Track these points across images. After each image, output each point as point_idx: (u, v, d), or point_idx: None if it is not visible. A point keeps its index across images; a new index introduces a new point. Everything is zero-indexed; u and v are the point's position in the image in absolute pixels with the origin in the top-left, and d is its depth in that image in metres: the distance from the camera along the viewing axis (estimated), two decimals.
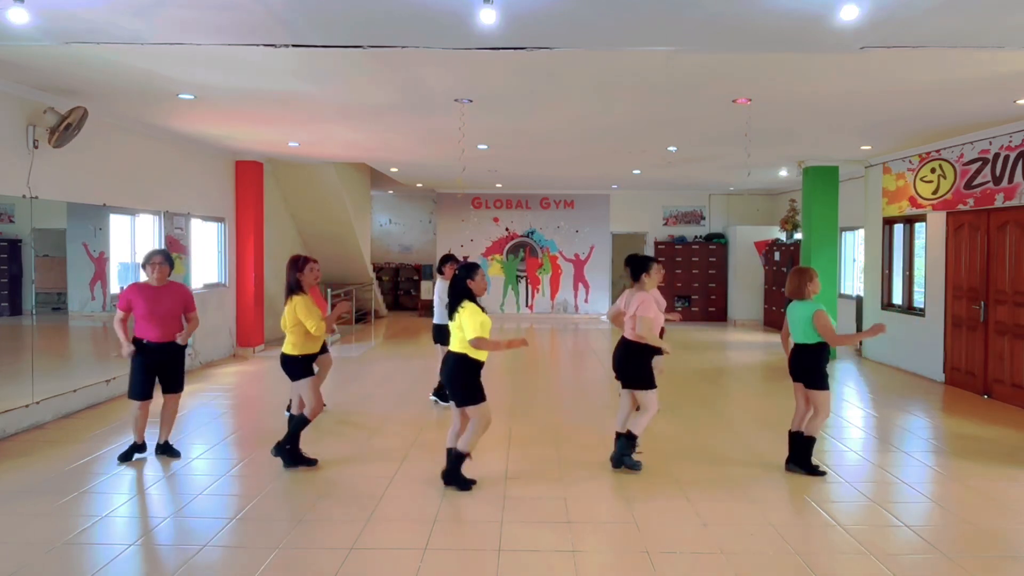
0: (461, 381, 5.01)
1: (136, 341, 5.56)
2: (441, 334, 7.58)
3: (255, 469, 5.59)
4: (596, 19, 4.49)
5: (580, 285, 16.93)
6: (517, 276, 16.98)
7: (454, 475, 5.12)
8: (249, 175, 11.28)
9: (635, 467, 5.51)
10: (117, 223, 8.40)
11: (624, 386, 5.59)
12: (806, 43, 4.95)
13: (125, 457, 5.68)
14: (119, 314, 5.52)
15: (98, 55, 5.51)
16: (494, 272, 16.93)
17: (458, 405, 5.10)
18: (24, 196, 6.65)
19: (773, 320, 15.27)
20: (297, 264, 5.53)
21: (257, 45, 5.12)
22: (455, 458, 5.12)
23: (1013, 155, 7.93)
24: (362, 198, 14.54)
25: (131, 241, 8.64)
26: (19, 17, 4.31)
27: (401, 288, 18.25)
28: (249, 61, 5.67)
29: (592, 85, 6.38)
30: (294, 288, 5.46)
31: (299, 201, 13.17)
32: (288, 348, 5.44)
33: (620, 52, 5.33)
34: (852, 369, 10.32)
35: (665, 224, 16.96)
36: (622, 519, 4.62)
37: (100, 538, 4.29)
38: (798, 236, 13.82)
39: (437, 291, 7.62)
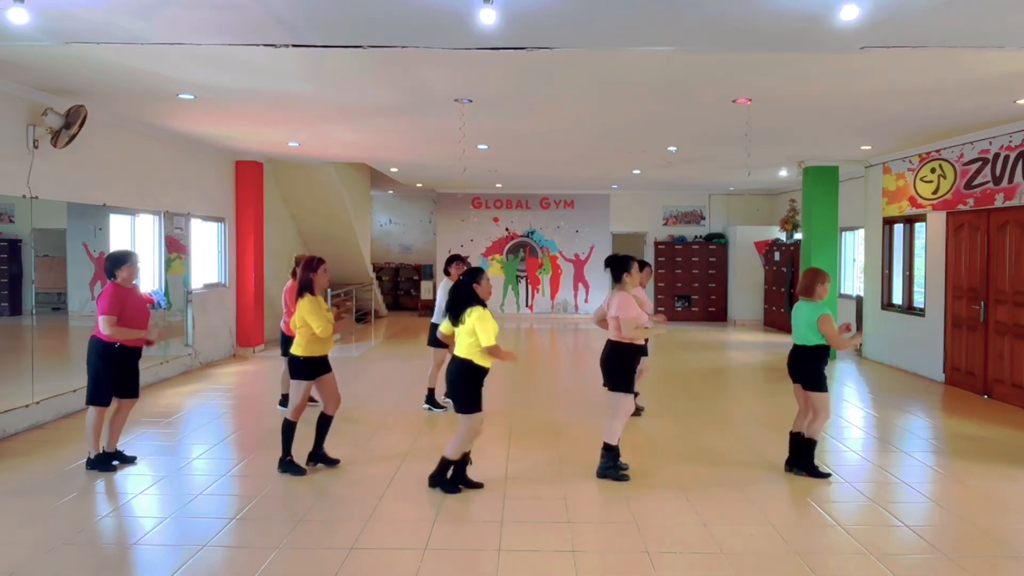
0: (463, 387, 4.95)
1: (111, 345, 5.27)
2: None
3: (255, 469, 5.60)
4: (596, 19, 4.49)
5: (580, 285, 16.93)
6: (517, 276, 16.98)
7: (439, 478, 5.07)
8: (249, 175, 11.28)
9: (621, 479, 5.33)
10: (117, 223, 8.40)
11: (604, 386, 5.48)
12: (806, 43, 4.95)
13: (107, 467, 5.39)
14: (113, 319, 5.17)
15: (98, 55, 5.51)
16: (494, 272, 16.92)
17: (457, 411, 5.04)
18: (24, 196, 6.65)
19: (773, 320, 15.28)
20: (311, 264, 5.48)
21: (257, 45, 5.12)
22: (442, 465, 5.07)
23: (1013, 155, 7.93)
24: (362, 198, 14.55)
25: (131, 241, 8.64)
26: (19, 17, 4.31)
27: (401, 288, 18.25)
28: (249, 61, 5.67)
29: (592, 85, 6.38)
30: (305, 288, 5.41)
31: (299, 201, 13.18)
32: (295, 347, 5.41)
33: (620, 52, 5.33)
34: (852, 369, 10.32)
35: (665, 224, 16.96)
36: (622, 519, 4.62)
37: (100, 538, 4.29)
38: (798, 236, 13.82)
39: (441, 291, 7.44)
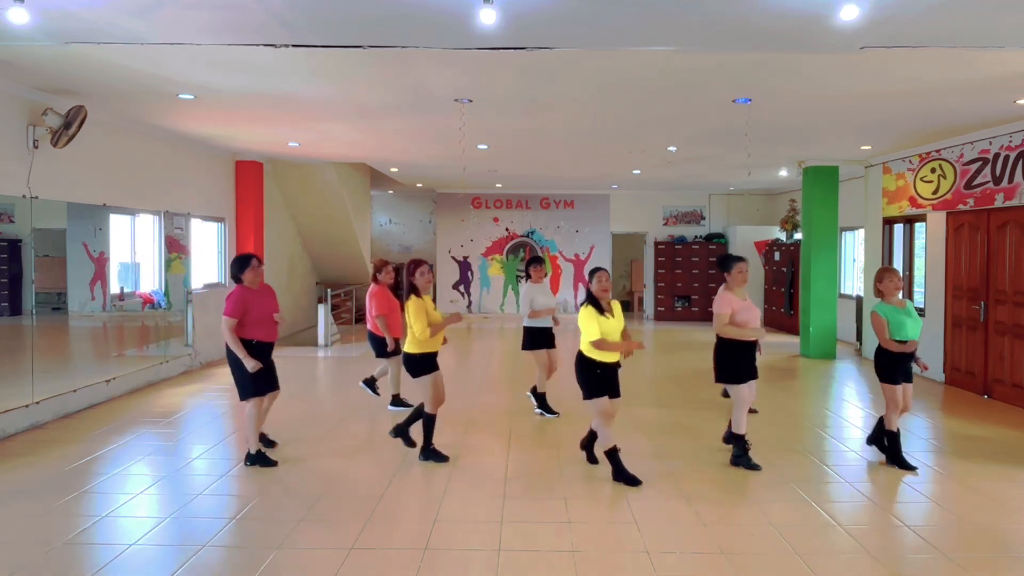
0: (578, 376, 5.36)
1: (248, 342, 5.55)
2: (533, 338, 7.29)
3: (255, 469, 5.59)
4: (596, 19, 4.49)
5: (580, 285, 16.93)
6: (517, 276, 16.98)
7: (619, 473, 5.28)
8: (249, 175, 11.29)
9: (753, 468, 5.57)
10: (117, 223, 8.40)
11: (717, 381, 5.77)
12: (806, 43, 4.95)
13: (268, 462, 5.58)
14: (232, 322, 5.48)
15: (98, 55, 5.51)
16: (494, 272, 16.95)
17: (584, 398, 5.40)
18: (24, 196, 6.65)
19: (773, 320, 15.27)
20: (411, 269, 5.75)
21: (257, 45, 5.12)
22: (612, 459, 5.32)
23: (1013, 155, 7.93)
24: (362, 198, 14.55)
25: (131, 241, 8.64)
26: (19, 17, 4.31)
27: (401, 288, 18.22)
28: (249, 61, 5.67)
29: (592, 85, 6.38)
30: (410, 291, 5.69)
31: (299, 201, 13.18)
32: (408, 346, 5.67)
33: (620, 52, 5.33)
34: (852, 369, 10.31)
35: (665, 224, 16.96)
36: (622, 519, 4.62)
37: (100, 538, 4.29)
38: (798, 236, 13.82)
39: (524, 294, 7.36)
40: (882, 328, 5.59)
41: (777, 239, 15.22)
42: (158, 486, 5.19)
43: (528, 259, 7.64)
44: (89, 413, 7.28)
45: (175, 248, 9.40)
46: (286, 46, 5.11)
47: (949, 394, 8.58)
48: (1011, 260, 7.98)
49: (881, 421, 5.88)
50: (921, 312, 9.76)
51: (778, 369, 10.47)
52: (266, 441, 5.99)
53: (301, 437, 6.47)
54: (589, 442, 5.72)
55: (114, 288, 8.44)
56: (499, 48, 5.07)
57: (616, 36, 4.83)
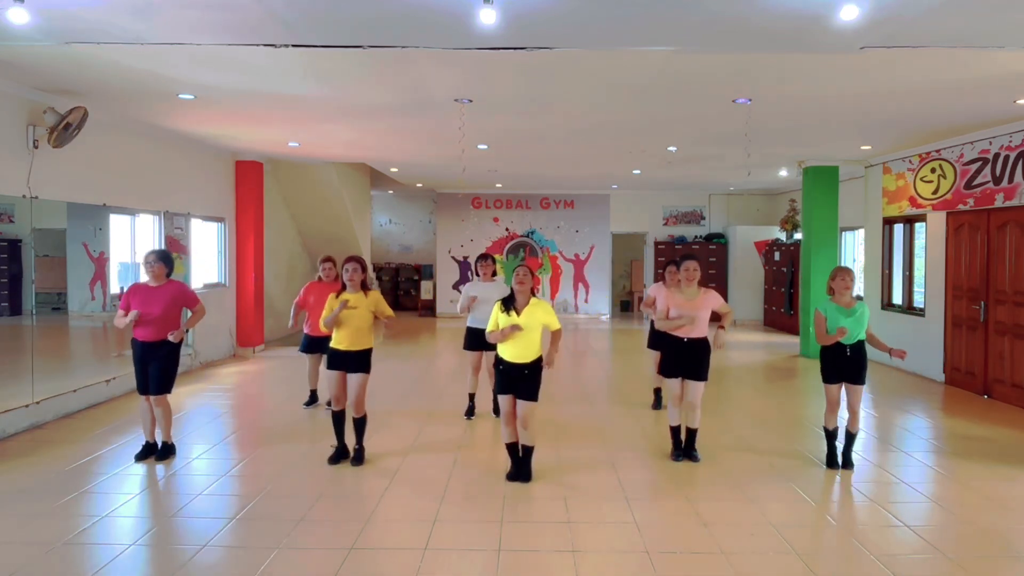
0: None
1: (132, 340, 5.71)
2: (469, 338, 7.09)
3: (255, 469, 5.60)
4: (596, 19, 4.49)
5: (580, 285, 16.93)
6: None
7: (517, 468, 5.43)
8: (249, 175, 11.28)
9: (673, 457, 5.93)
10: (117, 223, 8.40)
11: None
12: (806, 43, 4.95)
13: (140, 456, 5.76)
14: (119, 313, 5.66)
15: (98, 55, 5.51)
16: None
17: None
18: (24, 196, 6.65)
19: (773, 320, 15.28)
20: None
21: (257, 45, 5.12)
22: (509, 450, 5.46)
23: (1013, 155, 7.93)
24: (362, 198, 14.55)
25: (131, 241, 8.64)
26: (19, 17, 4.31)
27: (401, 288, 18.25)
28: (249, 61, 5.66)
29: (592, 85, 6.38)
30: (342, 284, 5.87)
31: (299, 201, 13.18)
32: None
33: (620, 52, 5.33)
34: None
35: (665, 224, 16.96)
36: (622, 519, 4.62)
37: (100, 538, 4.29)
38: (798, 236, 13.82)
39: (464, 291, 7.11)
40: (819, 325, 5.61)
41: (777, 239, 15.22)
42: (158, 486, 5.19)
43: (478, 255, 7.32)
44: (89, 413, 7.28)
45: (175, 248, 9.39)
46: (286, 46, 5.11)
47: (949, 394, 8.58)
48: (1011, 260, 7.98)
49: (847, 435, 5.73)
50: (921, 312, 9.77)
51: (778, 369, 10.47)
52: (164, 450, 5.85)
53: (299, 437, 6.47)
54: (524, 453, 5.38)
55: (114, 288, 8.43)
56: (499, 48, 5.07)
57: (616, 36, 4.83)
